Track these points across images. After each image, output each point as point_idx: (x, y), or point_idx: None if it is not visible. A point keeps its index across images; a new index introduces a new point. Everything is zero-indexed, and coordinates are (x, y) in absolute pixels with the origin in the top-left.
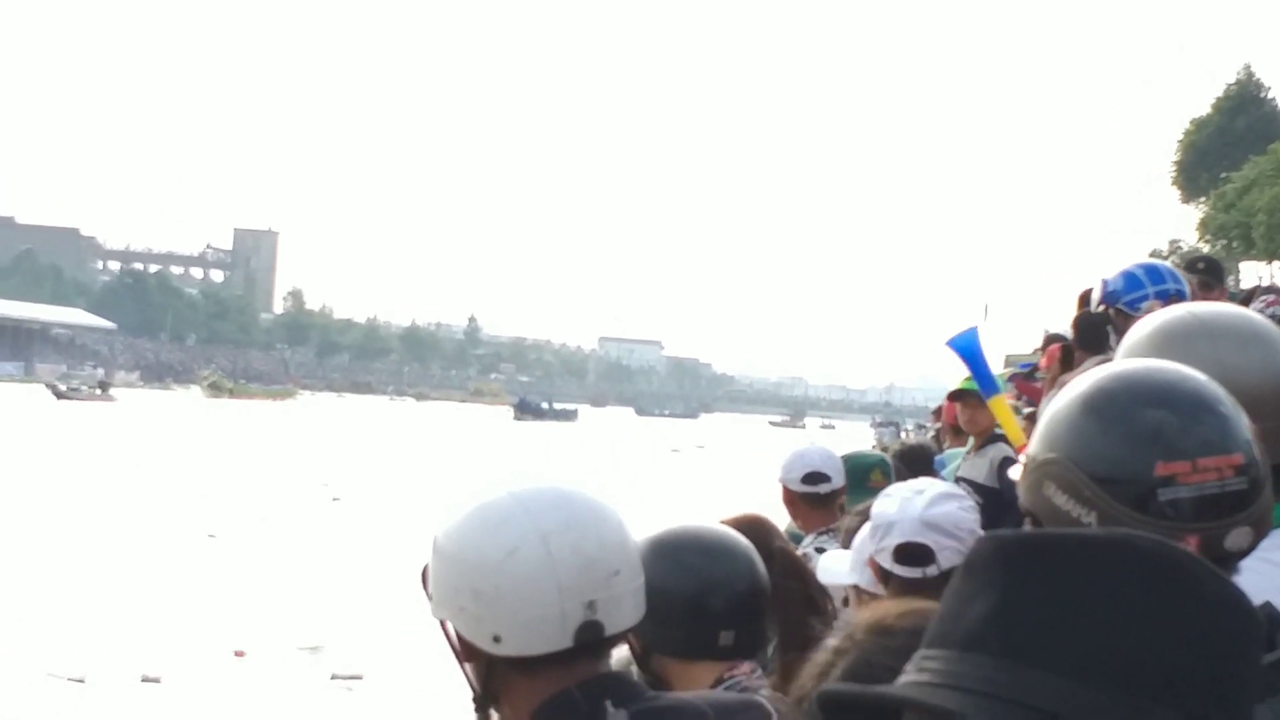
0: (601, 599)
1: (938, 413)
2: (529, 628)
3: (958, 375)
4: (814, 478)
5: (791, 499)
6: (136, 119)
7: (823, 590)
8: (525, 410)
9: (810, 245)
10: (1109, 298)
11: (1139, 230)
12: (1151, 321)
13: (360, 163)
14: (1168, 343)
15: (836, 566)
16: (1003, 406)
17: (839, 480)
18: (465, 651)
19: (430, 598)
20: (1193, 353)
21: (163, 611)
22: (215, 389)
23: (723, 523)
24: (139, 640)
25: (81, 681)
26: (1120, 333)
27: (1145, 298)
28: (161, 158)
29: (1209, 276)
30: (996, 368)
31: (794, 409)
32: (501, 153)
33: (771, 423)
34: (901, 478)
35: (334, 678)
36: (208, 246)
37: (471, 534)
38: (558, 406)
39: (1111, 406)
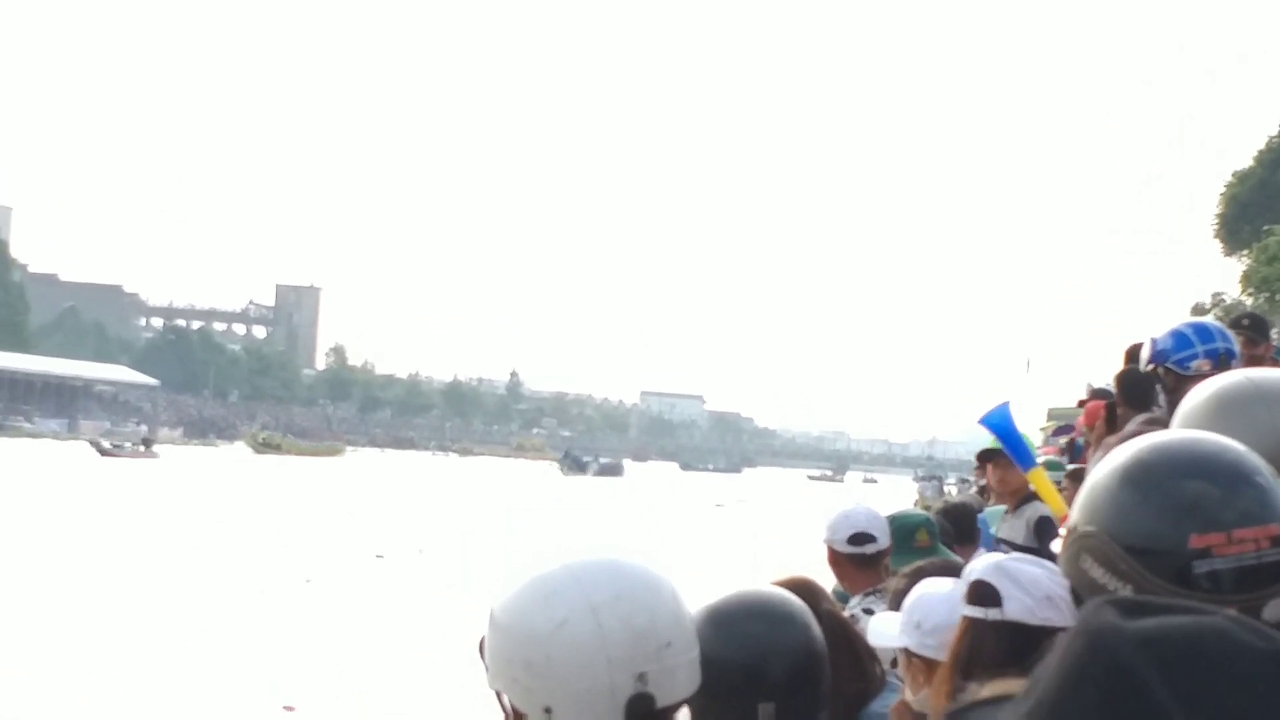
0: (652, 671)
1: (981, 468)
2: (579, 700)
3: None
4: (860, 538)
5: (837, 560)
6: (180, 175)
7: (871, 653)
8: (572, 465)
9: (851, 298)
10: (1158, 356)
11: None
12: (1208, 388)
13: (402, 219)
14: (1225, 409)
15: (886, 629)
16: (1041, 479)
17: (885, 541)
18: None
19: (487, 668)
20: (1250, 419)
21: (214, 665)
22: (263, 445)
23: (776, 580)
24: (192, 693)
25: None
26: (1169, 391)
27: (1195, 356)
28: (204, 214)
29: (1254, 333)
30: (1039, 420)
31: (836, 463)
32: (543, 209)
33: (810, 477)
34: (947, 536)
35: None
36: (250, 303)
37: (523, 605)
38: (604, 461)
39: (1149, 478)
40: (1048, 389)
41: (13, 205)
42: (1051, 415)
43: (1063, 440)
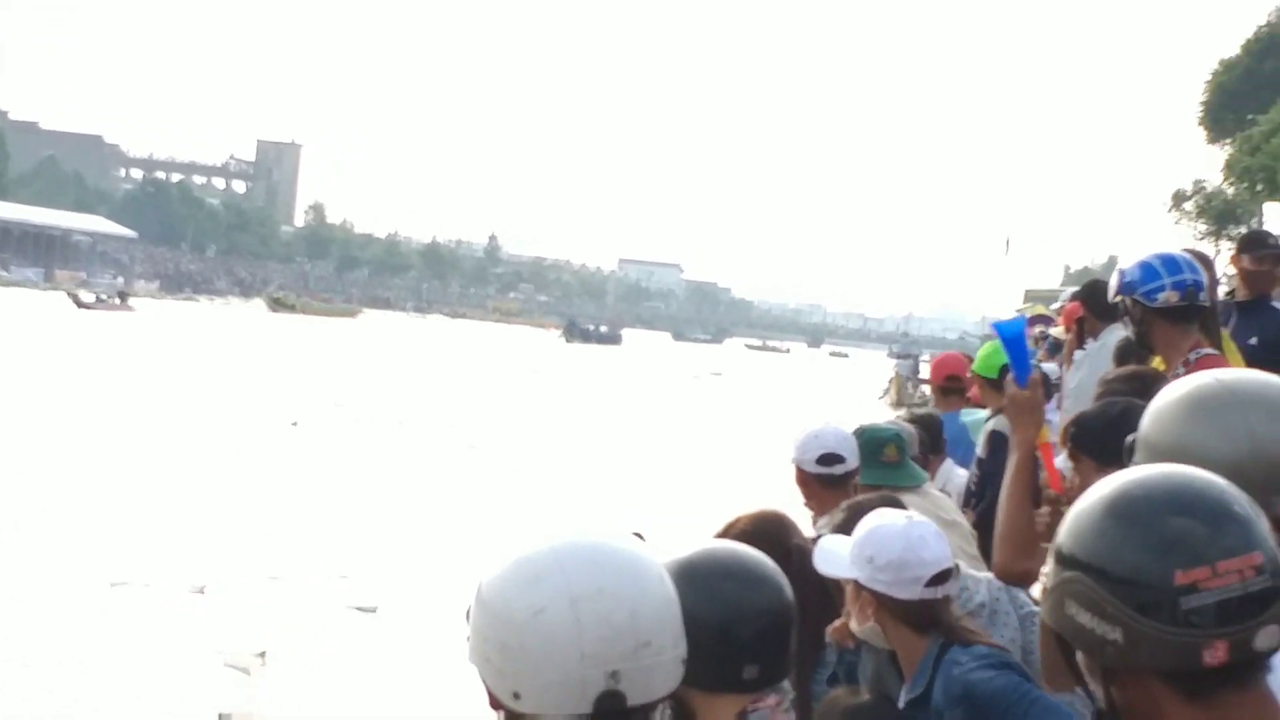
0: (626, 669)
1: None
2: (548, 690)
3: (976, 309)
4: (829, 459)
5: (805, 480)
6: (163, 27)
7: (839, 586)
8: (574, 334)
9: (832, 171)
10: (1125, 288)
11: (1163, 170)
12: (1179, 389)
13: (385, 78)
14: (1196, 412)
15: (836, 555)
16: (1047, 443)
17: (854, 461)
18: (492, 700)
19: (468, 640)
20: (1223, 423)
21: (211, 523)
22: (277, 304)
23: (742, 518)
24: (188, 551)
25: (140, 589)
26: (1136, 323)
27: (1162, 289)
28: (187, 67)
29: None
30: (1016, 302)
31: (812, 335)
32: (526, 71)
33: (748, 345)
34: (923, 445)
35: (354, 608)
36: (230, 157)
37: (505, 587)
38: (604, 330)
39: (1133, 514)
40: (1026, 270)
41: None
42: (1029, 296)
43: (1037, 329)
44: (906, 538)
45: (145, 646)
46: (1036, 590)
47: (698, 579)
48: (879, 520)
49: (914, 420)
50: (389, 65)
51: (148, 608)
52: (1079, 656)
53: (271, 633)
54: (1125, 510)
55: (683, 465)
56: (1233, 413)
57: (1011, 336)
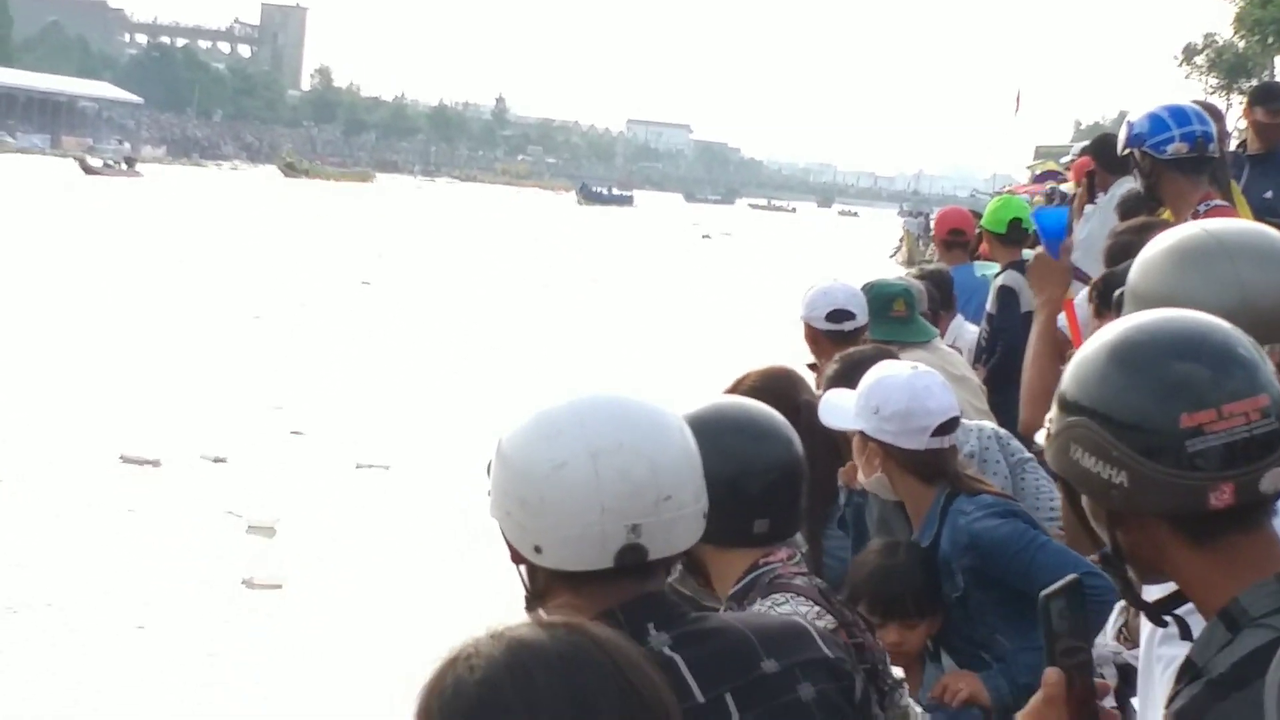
0: (647, 523)
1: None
2: (569, 544)
3: (986, 167)
4: (838, 315)
5: (815, 336)
6: None
7: (846, 440)
8: (588, 196)
9: (843, 29)
10: (1134, 140)
11: (1173, 22)
12: (1166, 240)
13: None
14: (1184, 263)
15: (840, 407)
16: (1072, 307)
17: (863, 317)
18: (513, 554)
19: (489, 494)
20: (1211, 273)
21: (223, 391)
22: (290, 169)
23: (751, 373)
24: (205, 421)
25: (156, 464)
26: (1145, 175)
27: (1171, 140)
28: None
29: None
30: (1027, 157)
31: (822, 195)
32: None
33: (752, 205)
34: (933, 301)
35: (358, 467)
36: (235, 21)
37: (526, 442)
38: (617, 192)
39: (1137, 359)
40: (1036, 126)
41: None
42: (1039, 153)
43: (1048, 185)
44: (912, 387)
45: (163, 517)
46: (1040, 436)
47: (707, 434)
48: (884, 371)
49: (924, 276)
50: None
51: (163, 479)
52: (1084, 501)
53: (288, 498)
54: (1129, 355)
55: (694, 324)
56: (1220, 262)
57: (1052, 227)
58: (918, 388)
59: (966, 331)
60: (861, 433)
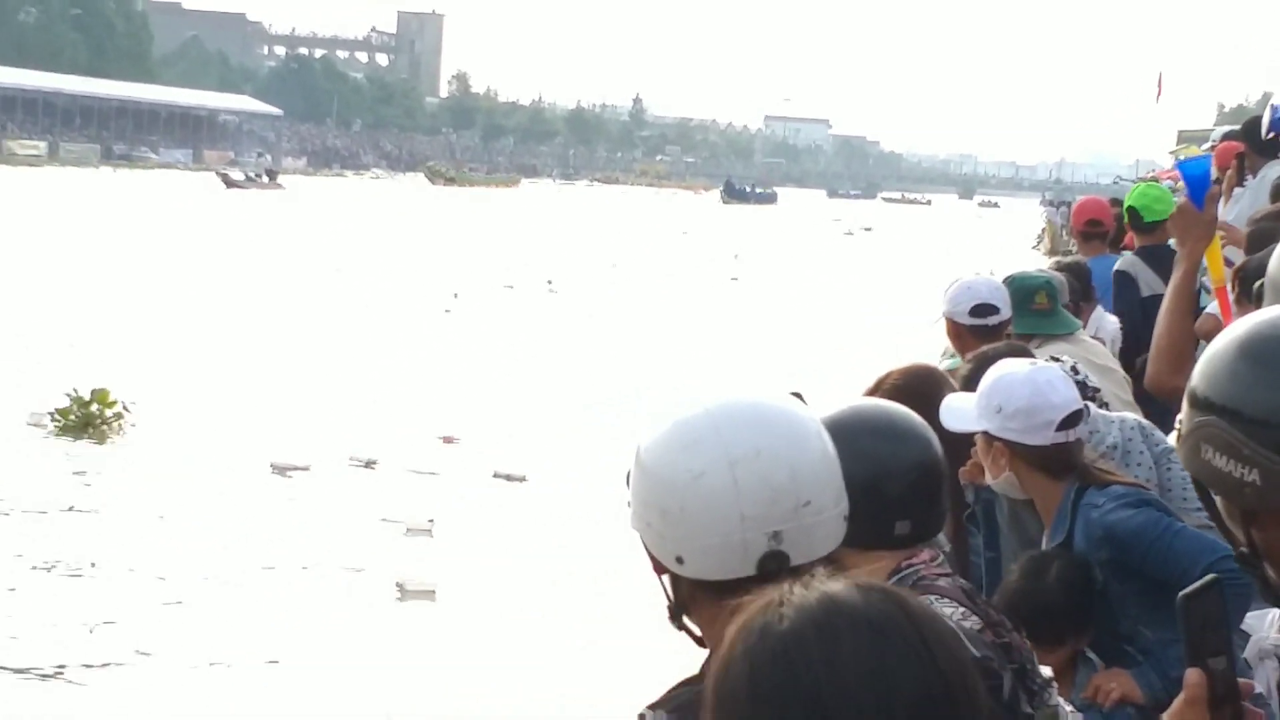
0: (788, 529)
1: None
2: (710, 554)
3: (1129, 153)
4: (982, 310)
5: (958, 332)
6: None
7: (968, 439)
8: (732, 194)
9: (981, 17)
10: (1277, 124)
11: None
12: None
13: None
14: None
15: (962, 410)
16: (1214, 249)
17: (1007, 311)
18: (655, 565)
19: (629, 504)
20: None
21: (373, 397)
22: (436, 176)
23: (893, 372)
24: (354, 427)
25: (307, 469)
26: None
27: None
28: None
29: None
30: (1169, 143)
31: (963, 186)
32: None
33: (886, 199)
34: (1073, 293)
35: (495, 475)
36: (372, 30)
37: (663, 451)
38: (760, 190)
39: (1266, 353)
40: (1178, 110)
41: None
42: (1182, 138)
43: None
44: (1033, 383)
45: (314, 519)
46: (1173, 438)
47: (845, 437)
48: (1003, 369)
49: (1062, 268)
50: None
51: (316, 483)
52: (1218, 501)
53: (435, 503)
54: (1258, 350)
55: (838, 322)
56: None
57: (1196, 175)
58: (1039, 382)
59: (1108, 322)
60: (985, 433)
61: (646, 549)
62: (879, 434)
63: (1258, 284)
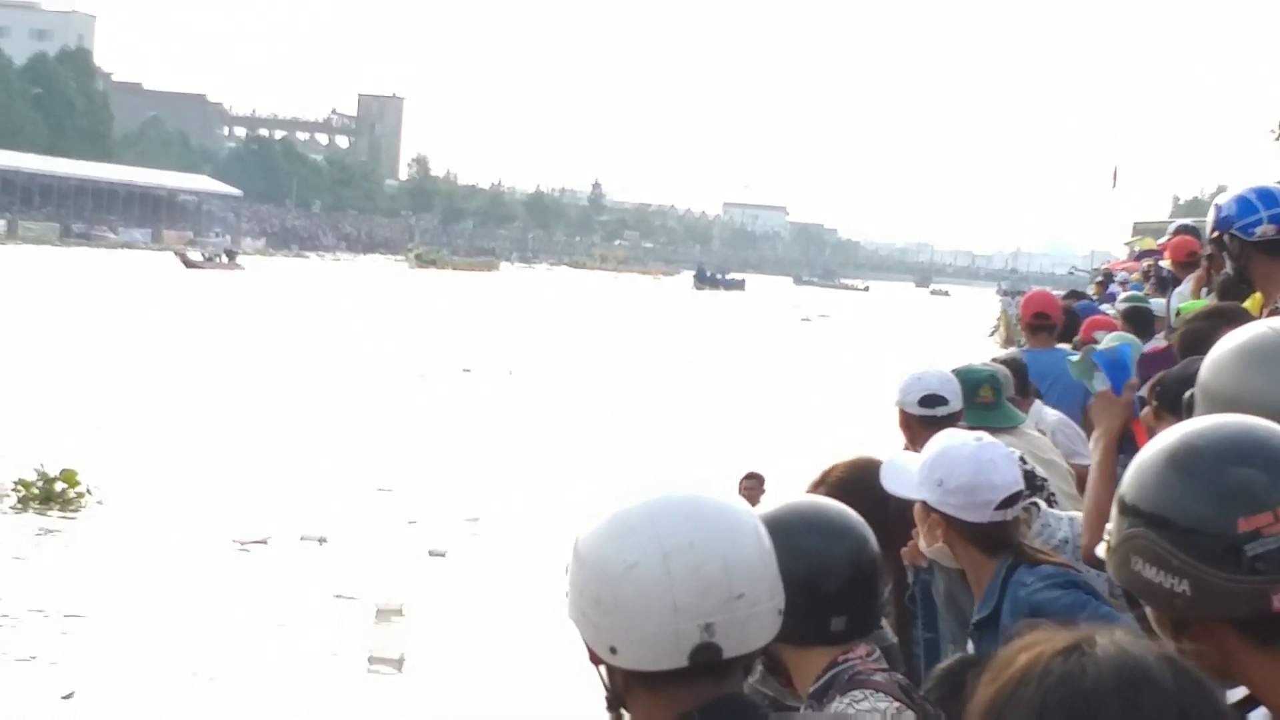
0: (720, 622)
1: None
2: (643, 644)
3: (1084, 243)
4: (931, 400)
5: (908, 422)
6: None
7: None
8: (703, 280)
9: (936, 109)
10: (1222, 223)
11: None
12: (1237, 338)
13: (485, 29)
14: (1253, 362)
15: (904, 474)
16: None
17: (956, 403)
18: (591, 656)
19: (566, 596)
20: (1277, 373)
21: (332, 472)
22: (419, 260)
23: (839, 465)
24: (305, 502)
25: (264, 543)
26: (1234, 258)
27: (1259, 222)
28: (287, 24)
29: None
30: (1125, 235)
31: (920, 275)
32: (625, 16)
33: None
34: (1018, 389)
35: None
36: (333, 112)
37: (599, 542)
38: (729, 277)
39: (1196, 463)
40: (1134, 202)
41: (96, 13)
42: (1137, 229)
43: (1146, 263)
44: (976, 461)
45: (281, 596)
46: (1100, 549)
47: (780, 533)
48: (948, 442)
49: (1001, 362)
50: (489, 15)
51: (274, 560)
52: (1148, 611)
53: (400, 578)
54: (1186, 460)
55: (794, 407)
56: None
57: (1110, 364)
58: (983, 461)
59: (1047, 415)
60: (924, 502)
61: (583, 640)
62: (815, 530)
63: (1188, 394)
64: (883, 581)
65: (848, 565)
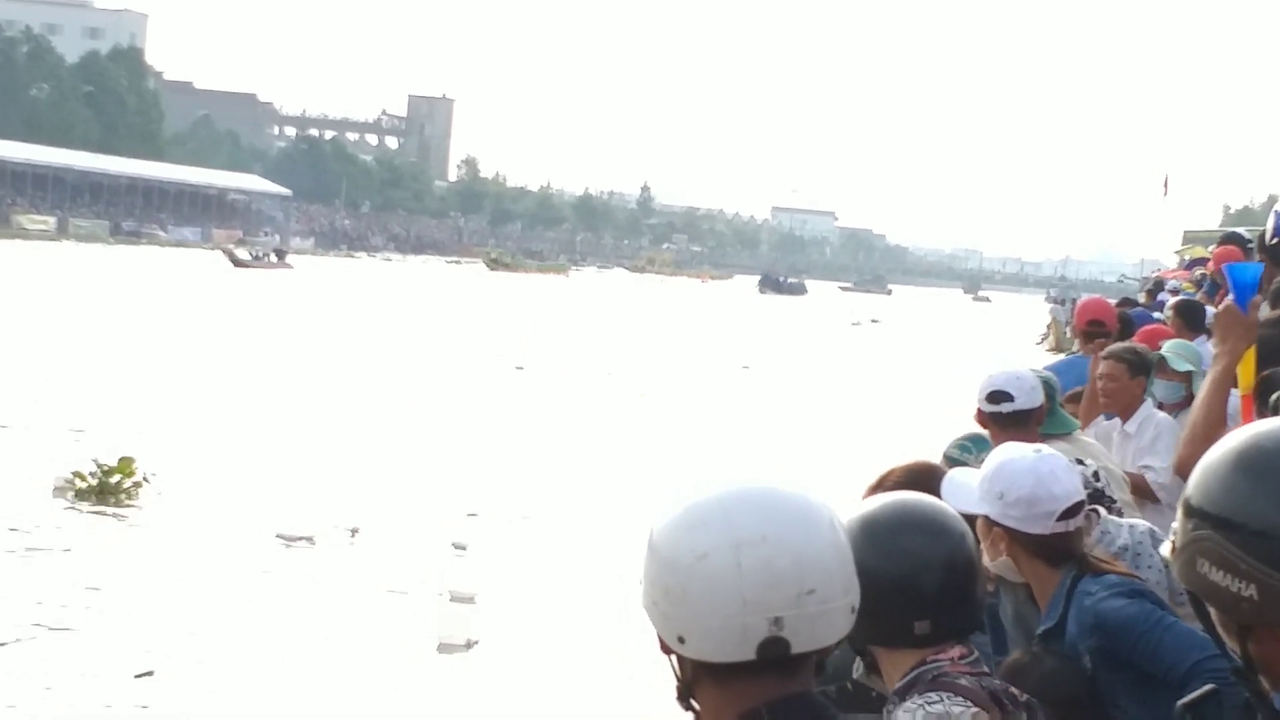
0: (789, 616)
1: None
2: (711, 635)
3: (1134, 252)
4: (996, 396)
5: (982, 420)
6: None
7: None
8: (767, 285)
9: (990, 115)
10: (1279, 230)
11: None
12: None
13: (537, 30)
14: None
15: (965, 489)
16: (1249, 356)
17: (1024, 400)
18: (661, 644)
19: (640, 584)
20: None
21: (393, 466)
22: (494, 263)
23: (895, 469)
24: (350, 500)
25: (310, 540)
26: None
27: None
28: (339, 24)
29: None
30: (1174, 243)
31: (968, 281)
32: (678, 19)
33: (842, 287)
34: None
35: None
36: (383, 113)
37: (672, 532)
38: (791, 281)
39: (1265, 465)
40: (1184, 210)
41: (148, 12)
42: (1187, 238)
43: (1197, 272)
44: (1036, 473)
45: (346, 585)
46: (1165, 549)
47: (881, 532)
48: (1008, 454)
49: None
50: (540, 16)
51: (334, 552)
52: (1213, 613)
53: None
54: (1255, 462)
55: (845, 411)
56: None
57: (1244, 280)
58: (1042, 472)
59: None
60: (986, 516)
61: (655, 628)
62: (915, 530)
63: (1275, 396)
64: (981, 581)
65: (941, 568)
